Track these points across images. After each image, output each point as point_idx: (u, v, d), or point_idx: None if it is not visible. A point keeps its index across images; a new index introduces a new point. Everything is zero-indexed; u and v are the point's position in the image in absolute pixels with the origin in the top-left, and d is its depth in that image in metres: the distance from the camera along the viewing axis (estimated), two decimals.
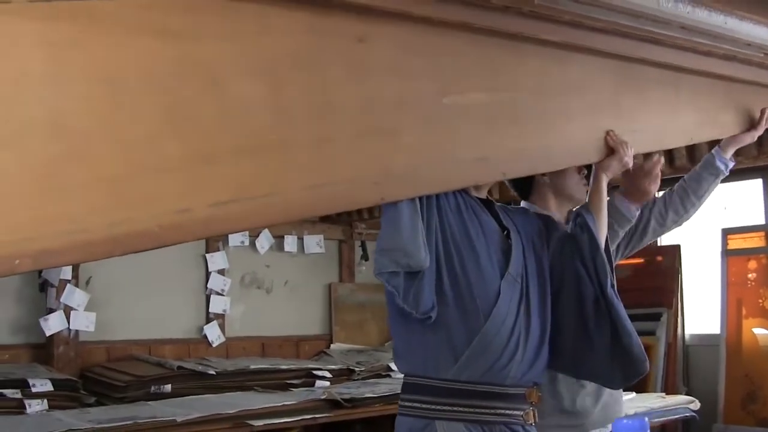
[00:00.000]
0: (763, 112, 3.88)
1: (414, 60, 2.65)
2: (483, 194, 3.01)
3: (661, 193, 3.79)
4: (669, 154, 6.46)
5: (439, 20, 2.63)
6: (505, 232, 2.92)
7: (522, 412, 2.79)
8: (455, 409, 2.70)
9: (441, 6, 2.60)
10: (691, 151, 6.35)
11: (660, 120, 3.57)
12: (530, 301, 2.85)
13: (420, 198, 2.68)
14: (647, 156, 3.58)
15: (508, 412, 2.76)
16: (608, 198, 3.28)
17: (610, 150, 3.20)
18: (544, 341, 2.88)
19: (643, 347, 3.00)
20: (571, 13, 2.95)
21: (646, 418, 2.68)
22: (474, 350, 2.72)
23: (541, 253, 3.00)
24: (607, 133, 3.21)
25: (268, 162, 2.25)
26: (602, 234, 3.09)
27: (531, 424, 2.82)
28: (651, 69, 3.42)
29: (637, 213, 3.49)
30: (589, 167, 3.32)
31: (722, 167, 3.74)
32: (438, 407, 2.71)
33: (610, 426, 3.43)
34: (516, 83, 2.98)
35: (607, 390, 3.29)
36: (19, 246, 1.81)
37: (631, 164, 3.25)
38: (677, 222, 3.74)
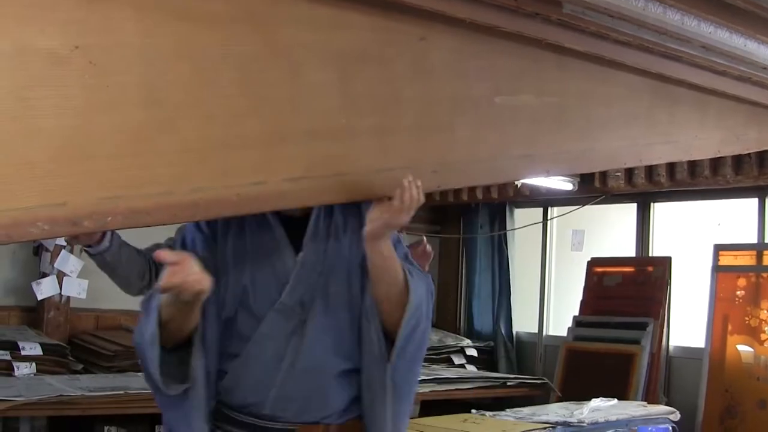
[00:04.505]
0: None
1: (469, 61, 2.80)
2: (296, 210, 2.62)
3: None
4: (670, 167, 6.55)
5: (470, 21, 2.69)
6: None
7: None
8: None
9: (475, 8, 2.66)
10: (692, 167, 6.45)
11: (689, 134, 3.75)
12: (307, 332, 2.58)
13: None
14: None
15: None
16: None
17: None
18: (329, 376, 2.60)
19: None
20: (598, 25, 2.99)
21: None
22: (229, 381, 2.62)
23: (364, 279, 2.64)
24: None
25: (337, 145, 2.42)
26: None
27: None
28: (681, 88, 3.58)
29: None
30: None
31: None
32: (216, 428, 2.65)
33: None
34: (561, 90, 3.14)
35: None
36: (112, 204, 1.95)
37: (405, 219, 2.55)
38: None
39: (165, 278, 2.24)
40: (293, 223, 2.60)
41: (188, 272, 2.25)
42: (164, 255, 2.25)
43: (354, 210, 2.59)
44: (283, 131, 2.28)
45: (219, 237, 2.62)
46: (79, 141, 1.89)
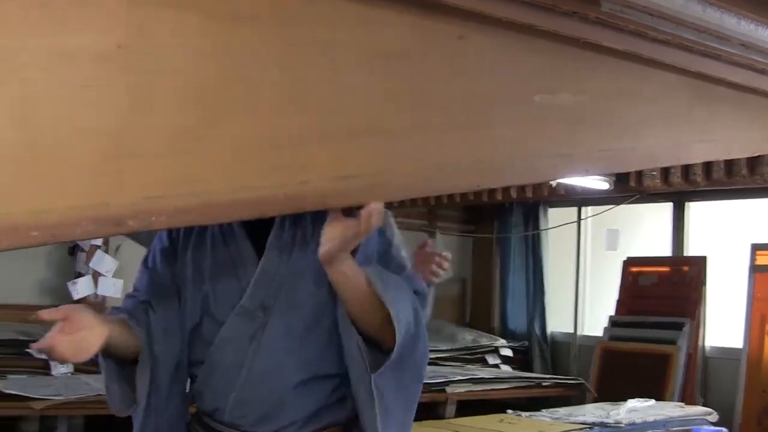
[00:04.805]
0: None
1: (507, 60, 2.78)
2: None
3: None
4: (707, 166, 6.52)
5: (507, 20, 2.69)
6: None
7: None
8: None
9: (512, 7, 2.65)
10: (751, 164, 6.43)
11: (728, 133, 3.73)
12: (265, 337, 2.48)
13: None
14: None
15: None
16: None
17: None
18: (287, 383, 2.47)
19: None
20: (636, 23, 2.97)
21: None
22: (198, 385, 2.57)
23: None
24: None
25: (377, 143, 2.39)
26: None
27: None
28: (720, 87, 3.55)
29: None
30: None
31: None
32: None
33: None
34: (599, 89, 3.11)
35: None
36: (156, 203, 1.93)
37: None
38: None
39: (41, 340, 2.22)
40: (259, 231, 2.52)
41: (64, 333, 2.22)
42: (45, 314, 2.23)
43: (324, 217, 2.40)
44: (324, 130, 2.27)
45: (179, 249, 2.58)
46: (122, 141, 1.89)
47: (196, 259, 2.56)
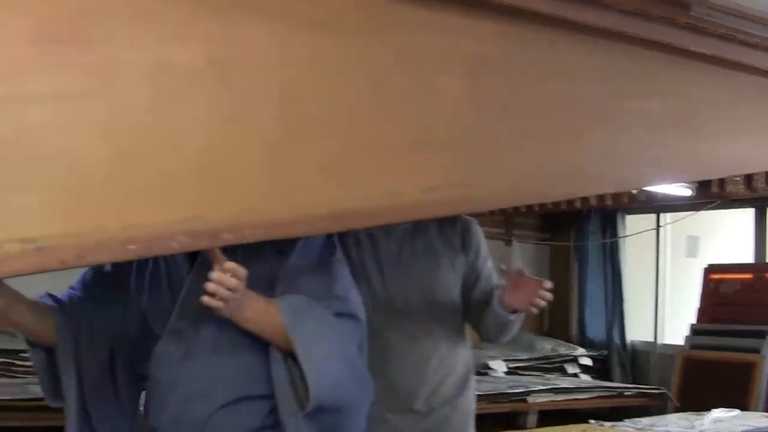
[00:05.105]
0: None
1: (596, 66, 2.76)
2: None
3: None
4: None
5: (597, 27, 2.66)
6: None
7: None
8: None
9: (601, 13, 2.63)
10: None
11: None
12: (193, 355, 2.46)
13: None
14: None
15: None
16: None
17: None
18: (216, 402, 2.42)
19: None
20: (726, 27, 2.93)
21: None
22: (144, 401, 2.57)
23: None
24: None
25: (469, 153, 2.40)
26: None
27: None
28: None
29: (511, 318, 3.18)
30: None
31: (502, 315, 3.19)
32: None
33: None
34: (687, 95, 3.08)
35: None
36: (250, 216, 1.94)
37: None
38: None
39: None
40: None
41: None
42: None
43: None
44: (417, 140, 2.26)
45: None
46: (216, 154, 1.89)
47: (140, 269, 2.56)
